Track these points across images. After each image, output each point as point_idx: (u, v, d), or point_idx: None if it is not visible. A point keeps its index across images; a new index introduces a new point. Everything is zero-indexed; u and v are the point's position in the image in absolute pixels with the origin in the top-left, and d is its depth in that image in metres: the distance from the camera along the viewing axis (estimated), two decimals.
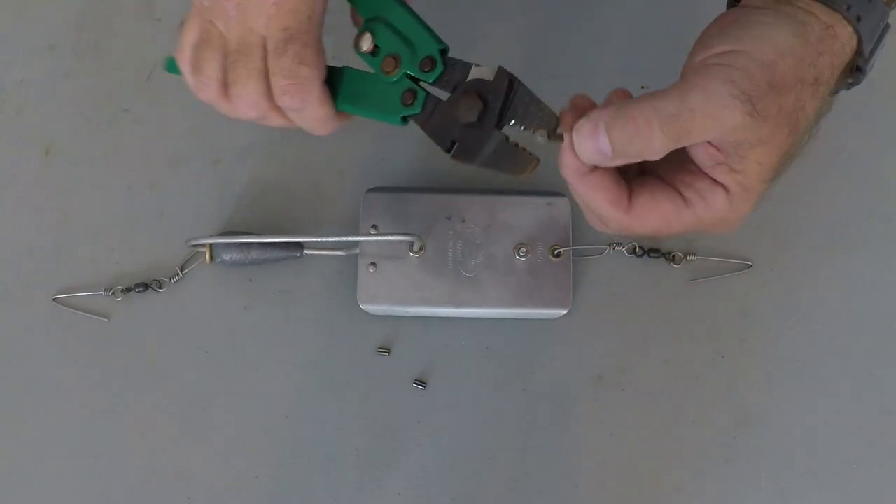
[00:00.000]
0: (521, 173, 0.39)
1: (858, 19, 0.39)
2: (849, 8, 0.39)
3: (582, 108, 0.40)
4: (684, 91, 0.36)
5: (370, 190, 0.59)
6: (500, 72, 0.40)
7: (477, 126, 0.40)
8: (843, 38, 0.39)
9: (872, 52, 0.41)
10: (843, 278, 0.60)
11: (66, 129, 0.64)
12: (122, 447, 0.57)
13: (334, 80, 0.44)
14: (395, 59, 0.42)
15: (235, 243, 0.58)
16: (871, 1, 0.40)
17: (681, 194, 0.40)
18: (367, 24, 0.44)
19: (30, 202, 0.63)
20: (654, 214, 0.40)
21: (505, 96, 0.39)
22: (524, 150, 0.39)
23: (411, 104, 0.42)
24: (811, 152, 0.61)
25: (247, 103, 0.44)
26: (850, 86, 0.43)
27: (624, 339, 0.59)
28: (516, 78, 0.39)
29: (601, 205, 0.40)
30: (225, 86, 0.44)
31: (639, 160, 0.38)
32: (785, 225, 0.61)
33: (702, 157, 0.39)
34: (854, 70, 0.41)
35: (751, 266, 0.60)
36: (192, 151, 0.63)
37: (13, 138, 0.64)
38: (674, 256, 0.60)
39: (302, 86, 0.42)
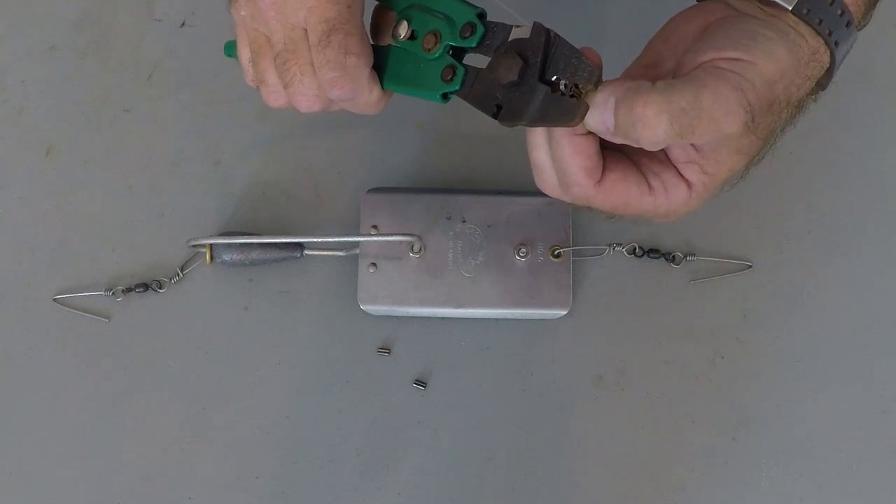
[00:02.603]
0: (571, 122, 0.38)
1: (836, 44, 0.40)
2: (830, 33, 0.39)
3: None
4: (697, 89, 0.36)
5: (370, 190, 0.59)
6: (536, 27, 0.38)
7: (520, 84, 0.38)
8: (823, 62, 0.40)
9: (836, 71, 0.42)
10: (843, 278, 0.60)
11: (67, 129, 0.64)
12: (122, 447, 0.58)
13: (378, 60, 0.44)
14: (434, 35, 0.42)
15: (236, 244, 0.58)
16: (848, 26, 0.40)
17: (647, 181, 0.41)
18: (400, 13, 0.43)
19: (30, 202, 0.63)
20: (619, 194, 0.40)
21: (544, 51, 0.37)
22: (571, 97, 0.37)
23: (451, 80, 0.41)
24: (812, 152, 0.62)
25: (308, 99, 0.44)
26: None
27: (624, 340, 0.59)
28: (554, 32, 0.38)
29: (576, 170, 0.39)
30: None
31: (635, 146, 0.38)
32: (785, 225, 0.61)
33: (677, 152, 0.40)
34: (817, 87, 0.42)
35: (751, 266, 0.60)
36: (193, 152, 0.63)
37: (14, 139, 0.64)
38: (674, 257, 0.60)
39: (350, 76, 0.42)
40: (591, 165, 0.39)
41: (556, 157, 0.40)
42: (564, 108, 0.37)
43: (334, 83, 0.42)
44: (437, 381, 0.58)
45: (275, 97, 0.45)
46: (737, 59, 0.37)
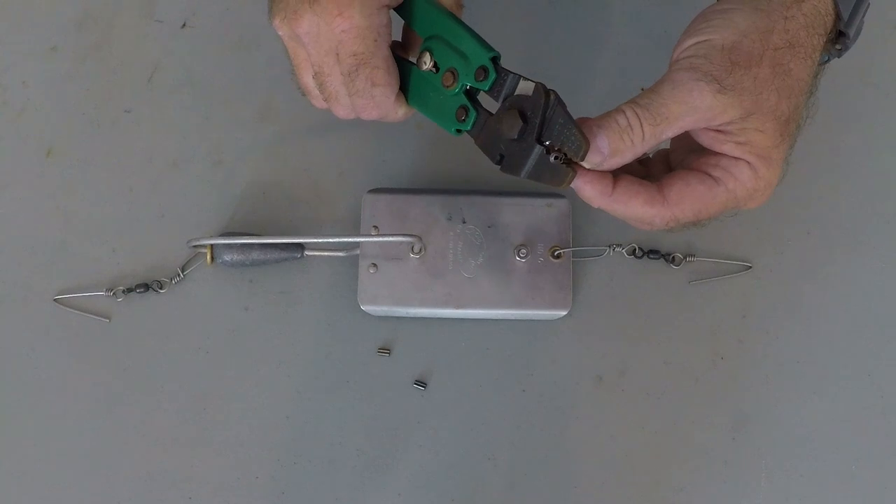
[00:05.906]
0: (560, 185, 0.42)
1: None
2: None
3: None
4: (657, 86, 0.41)
5: (371, 191, 0.59)
6: (537, 89, 0.41)
7: (519, 141, 0.41)
8: (814, 0, 0.42)
9: (853, 15, 0.43)
10: (843, 278, 0.60)
11: (68, 130, 0.64)
12: (122, 447, 0.58)
13: (404, 78, 0.47)
14: (452, 73, 0.44)
15: (236, 244, 0.58)
16: None
17: (710, 175, 0.43)
18: (425, 42, 0.45)
19: (31, 203, 0.63)
20: (691, 198, 0.43)
21: (543, 113, 0.40)
22: (562, 164, 0.41)
23: (464, 121, 0.45)
24: (812, 153, 0.62)
25: (345, 111, 0.48)
26: (839, 53, 0.45)
27: (624, 340, 0.59)
28: (554, 97, 0.41)
29: (640, 210, 0.43)
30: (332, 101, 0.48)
31: (632, 158, 0.41)
32: (785, 225, 0.61)
33: (709, 142, 0.42)
34: (839, 36, 0.44)
35: (750, 267, 0.60)
36: (193, 152, 0.63)
37: (15, 139, 0.64)
38: (673, 258, 0.60)
39: (377, 104, 0.46)
40: (646, 198, 0.43)
41: (619, 216, 0.44)
42: (554, 171, 0.41)
43: (363, 109, 0.47)
44: (437, 381, 0.58)
45: (317, 103, 0.49)
46: (691, 45, 0.41)
